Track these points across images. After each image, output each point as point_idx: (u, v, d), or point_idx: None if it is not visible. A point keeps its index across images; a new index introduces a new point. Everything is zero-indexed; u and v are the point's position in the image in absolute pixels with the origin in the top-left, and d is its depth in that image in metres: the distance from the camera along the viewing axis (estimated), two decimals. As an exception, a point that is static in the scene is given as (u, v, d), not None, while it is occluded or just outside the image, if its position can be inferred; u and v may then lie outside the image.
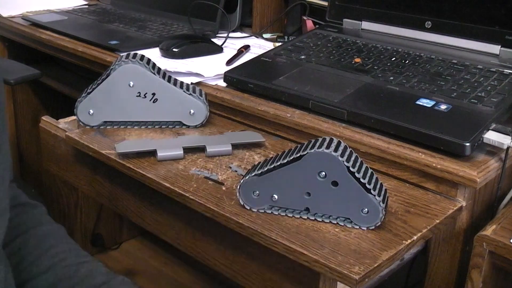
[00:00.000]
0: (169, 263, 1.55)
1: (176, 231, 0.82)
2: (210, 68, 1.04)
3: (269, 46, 1.20)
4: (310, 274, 0.66)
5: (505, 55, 0.92)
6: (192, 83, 0.96)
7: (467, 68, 0.90)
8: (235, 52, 1.14)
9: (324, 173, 0.65)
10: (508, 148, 0.73)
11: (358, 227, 0.66)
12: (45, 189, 1.45)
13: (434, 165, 0.73)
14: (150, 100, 0.90)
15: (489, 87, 0.84)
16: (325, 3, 1.17)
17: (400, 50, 0.99)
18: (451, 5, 0.97)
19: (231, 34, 1.27)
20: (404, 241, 0.64)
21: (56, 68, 1.60)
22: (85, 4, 1.62)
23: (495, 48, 0.93)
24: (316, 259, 0.61)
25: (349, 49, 1.01)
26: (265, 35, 1.30)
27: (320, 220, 0.68)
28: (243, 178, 0.69)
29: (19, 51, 1.57)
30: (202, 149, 0.84)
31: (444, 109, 0.79)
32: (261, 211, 0.69)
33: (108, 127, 0.92)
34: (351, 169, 0.64)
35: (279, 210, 0.69)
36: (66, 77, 1.55)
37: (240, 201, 0.69)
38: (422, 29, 1.01)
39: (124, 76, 0.89)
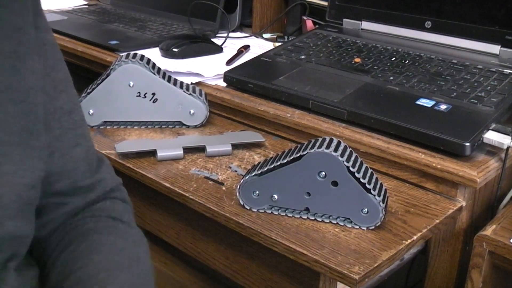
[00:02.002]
0: (168, 263, 1.55)
1: (176, 231, 0.82)
2: (210, 68, 1.04)
3: (269, 46, 1.20)
4: (310, 274, 0.66)
5: (505, 55, 0.92)
6: (192, 83, 0.96)
7: (467, 68, 0.90)
8: (235, 52, 1.14)
9: (324, 173, 0.65)
10: (508, 148, 0.73)
11: (358, 227, 0.66)
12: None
13: (434, 165, 0.73)
14: (150, 100, 0.90)
15: (489, 87, 0.84)
16: (325, 3, 1.17)
17: (400, 50, 0.99)
18: (451, 5, 0.97)
19: (231, 34, 1.27)
20: (404, 241, 0.64)
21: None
22: (85, 4, 1.62)
23: (495, 48, 0.93)
24: (316, 259, 0.61)
25: (349, 49, 1.01)
26: (265, 35, 1.30)
27: (320, 220, 0.68)
28: (243, 178, 0.69)
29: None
30: (202, 149, 0.84)
31: (444, 109, 0.79)
32: (261, 211, 0.69)
33: (108, 127, 0.92)
34: (351, 169, 0.64)
35: (279, 210, 0.69)
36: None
37: (240, 201, 0.69)
38: (422, 29, 1.01)
39: (124, 76, 0.89)
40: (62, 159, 0.58)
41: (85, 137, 0.61)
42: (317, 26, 1.19)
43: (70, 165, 0.59)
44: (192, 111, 0.91)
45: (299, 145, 0.68)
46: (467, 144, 0.72)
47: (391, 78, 0.89)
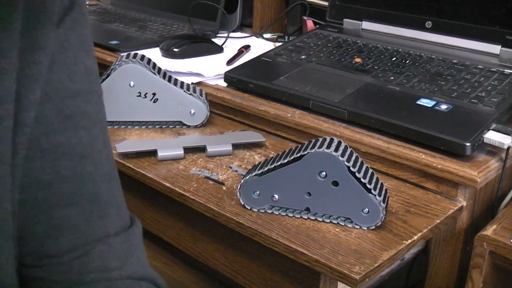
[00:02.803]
0: (169, 263, 1.55)
1: (177, 231, 0.82)
2: (211, 68, 1.04)
3: (270, 46, 1.20)
4: (311, 274, 0.66)
5: (505, 55, 0.92)
6: (192, 83, 0.96)
7: (467, 68, 0.90)
8: (236, 52, 1.14)
9: (324, 173, 0.65)
10: (508, 148, 0.73)
11: (358, 227, 0.66)
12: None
13: (434, 165, 0.73)
14: (151, 100, 0.90)
15: (490, 87, 0.84)
16: (326, 3, 1.17)
17: (400, 50, 0.99)
18: (451, 5, 0.97)
19: (231, 34, 1.27)
20: (404, 241, 0.64)
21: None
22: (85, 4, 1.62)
23: (496, 48, 0.93)
24: (316, 259, 0.61)
25: (350, 49, 1.01)
26: (265, 35, 1.30)
27: (321, 220, 0.68)
28: (243, 178, 0.69)
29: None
30: (202, 149, 0.84)
31: (445, 109, 0.79)
32: (261, 211, 0.69)
33: (108, 127, 0.91)
34: (352, 169, 0.64)
35: (280, 210, 0.69)
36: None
37: (241, 201, 0.69)
38: (422, 29, 1.01)
39: (124, 76, 0.89)
40: (31, 219, 0.42)
41: (97, 200, 0.45)
42: (317, 26, 1.19)
43: (42, 231, 0.42)
44: (192, 111, 0.91)
45: (299, 145, 0.68)
46: (468, 144, 0.72)
47: (392, 78, 0.89)
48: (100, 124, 0.47)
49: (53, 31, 0.42)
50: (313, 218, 0.68)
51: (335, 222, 0.67)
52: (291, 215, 0.68)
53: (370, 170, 0.67)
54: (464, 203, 0.73)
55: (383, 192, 0.66)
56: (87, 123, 0.45)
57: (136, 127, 0.92)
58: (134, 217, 0.51)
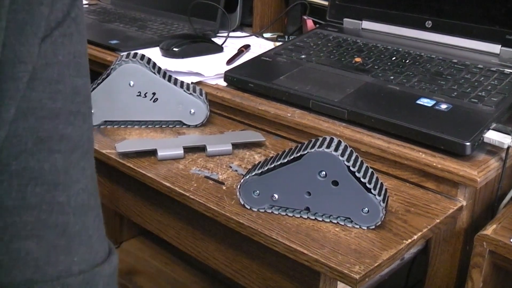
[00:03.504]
0: (169, 263, 1.55)
1: (177, 230, 0.82)
2: (211, 68, 1.04)
3: (270, 45, 1.20)
4: (311, 274, 0.66)
5: (505, 54, 0.92)
6: (192, 83, 0.96)
7: (467, 68, 0.90)
8: (236, 51, 1.14)
9: (324, 172, 0.65)
10: (508, 147, 0.73)
11: (358, 226, 0.66)
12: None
13: (434, 164, 0.73)
14: (151, 100, 0.90)
15: (490, 87, 0.84)
16: (326, 3, 1.17)
17: (400, 49, 0.99)
18: (451, 4, 0.97)
19: (231, 34, 1.27)
20: (404, 241, 0.64)
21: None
22: (85, 4, 1.62)
23: (496, 48, 0.93)
24: (316, 259, 0.61)
25: (350, 49, 1.01)
26: (265, 35, 1.30)
27: (321, 219, 0.68)
28: (243, 177, 0.69)
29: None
30: (202, 148, 0.84)
31: (445, 108, 0.79)
32: (261, 210, 0.69)
33: (108, 126, 0.92)
34: (352, 168, 0.64)
35: (280, 210, 0.69)
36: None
37: (241, 200, 0.69)
38: (422, 28, 1.01)
39: (124, 75, 0.89)
40: None
41: (64, 234, 0.40)
42: (317, 25, 1.19)
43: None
44: (192, 111, 0.91)
45: (299, 145, 0.68)
46: (468, 143, 0.72)
47: (392, 77, 0.89)
48: (81, 149, 0.42)
49: (38, 45, 0.39)
50: (313, 217, 0.68)
51: (335, 221, 0.67)
52: (291, 214, 0.68)
53: (370, 170, 0.67)
54: (464, 203, 0.73)
55: (383, 192, 0.66)
56: (65, 148, 0.40)
57: (136, 126, 0.92)
58: (113, 250, 0.46)
